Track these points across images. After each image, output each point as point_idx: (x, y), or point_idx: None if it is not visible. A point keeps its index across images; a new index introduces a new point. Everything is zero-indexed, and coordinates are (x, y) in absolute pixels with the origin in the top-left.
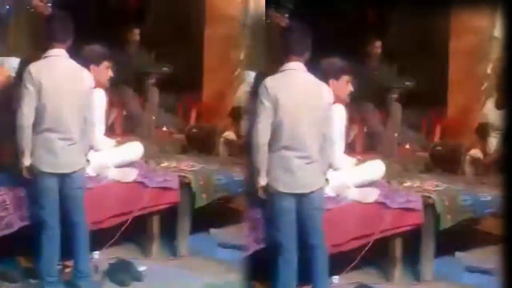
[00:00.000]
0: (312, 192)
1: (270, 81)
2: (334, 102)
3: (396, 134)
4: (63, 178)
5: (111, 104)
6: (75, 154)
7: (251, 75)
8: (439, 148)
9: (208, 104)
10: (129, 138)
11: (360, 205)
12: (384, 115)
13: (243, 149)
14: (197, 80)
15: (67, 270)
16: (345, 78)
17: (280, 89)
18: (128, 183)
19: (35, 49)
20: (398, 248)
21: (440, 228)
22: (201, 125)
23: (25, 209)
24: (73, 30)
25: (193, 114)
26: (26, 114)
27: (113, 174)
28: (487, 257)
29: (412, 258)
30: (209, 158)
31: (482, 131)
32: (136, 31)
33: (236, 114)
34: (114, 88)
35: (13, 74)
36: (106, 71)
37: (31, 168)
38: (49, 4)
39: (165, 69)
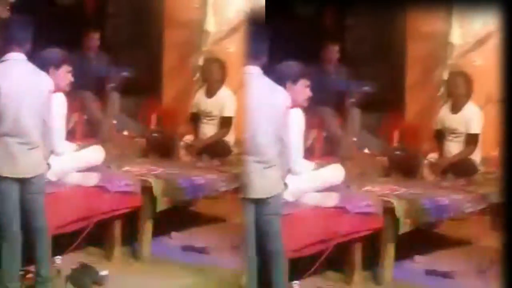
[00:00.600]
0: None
1: None
2: (291, 107)
3: (354, 139)
4: (23, 183)
5: (71, 109)
6: (35, 158)
7: None
8: (397, 152)
9: (168, 108)
10: (90, 143)
11: (320, 209)
12: (343, 120)
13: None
14: (157, 84)
15: (29, 275)
16: (303, 82)
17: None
18: (89, 187)
19: None
20: (358, 252)
21: (400, 232)
22: (162, 129)
23: None
24: (32, 34)
25: (153, 118)
26: None
27: (74, 178)
28: (446, 260)
29: (372, 262)
30: (170, 162)
31: (439, 135)
32: (95, 35)
33: (195, 118)
34: (74, 92)
35: None
36: (65, 75)
37: None
38: (8, 8)
39: (125, 73)
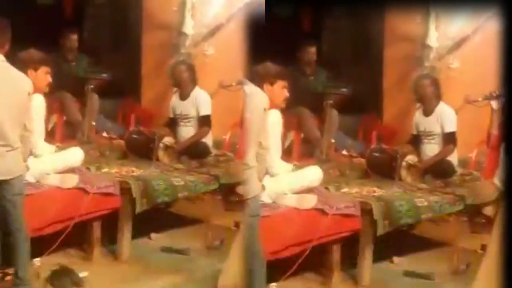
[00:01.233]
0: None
1: None
2: (269, 108)
3: (333, 140)
4: (1, 184)
5: (50, 110)
6: (13, 160)
7: None
8: (375, 154)
9: (147, 110)
10: (69, 144)
11: (298, 211)
12: (321, 121)
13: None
14: (136, 86)
15: (8, 278)
16: (280, 83)
17: None
18: (68, 189)
19: None
20: (336, 254)
21: (378, 233)
22: (141, 131)
23: None
24: (10, 35)
25: (133, 120)
26: None
27: (53, 180)
28: (424, 261)
29: (350, 264)
30: (149, 163)
31: (414, 139)
32: (74, 37)
33: (173, 122)
34: (53, 93)
35: None
36: (44, 76)
37: None
38: None
39: (104, 75)
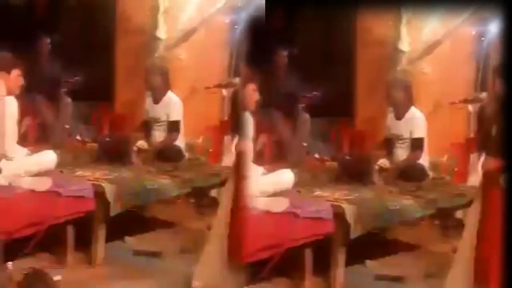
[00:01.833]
0: None
1: None
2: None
3: (304, 144)
4: None
5: (23, 113)
6: None
7: None
8: (348, 157)
9: (120, 113)
10: (42, 147)
11: (270, 214)
12: (292, 125)
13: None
14: (109, 89)
15: None
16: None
17: None
18: (42, 192)
19: None
20: (308, 257)
21: (350, 237)
22: (114, 134)
23: None
24: None
25: (106, 123)
26: None
27: (27, 183)
28: (396, 264)
29: (322, 268)
30: (123, 166)
31: (387, 143)
32: (47, 40)
33: (147, 125)
34: (26, 96)
35: None
36: (17, 79)
37: None
38: None
39: (77, 78)
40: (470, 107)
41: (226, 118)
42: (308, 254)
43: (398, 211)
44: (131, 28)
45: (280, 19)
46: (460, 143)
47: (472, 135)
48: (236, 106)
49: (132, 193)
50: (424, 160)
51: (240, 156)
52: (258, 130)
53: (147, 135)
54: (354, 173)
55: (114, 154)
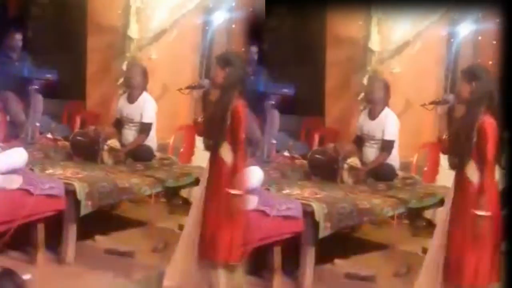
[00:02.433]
0: None
1: None
2: None
3: (274, 141)
4: None
5: None
6: None
7: None
8: (318, 156)
9: (92, 112)
10: (12, 144)
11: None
12: (262, 122)
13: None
14: (81, 87)
15: None
16: None
17: None
18: (12, 190)
19: None
20: (277, 256)
21: (320, 235)
22: (85, 133)
23: None
24: None
25: (77, 122)
26: None
27: None
28: (366, 264)
29: (291, 266)
30: (94, 165)
31: (359, 141)
32: (18, 36)
33: (119, 123)
34: None
35: None
36: None
37: None
38: None
39: (48, 75)
40: (439, 108)
41: (196, 119)
42: (277, 253)
43: (367, 210)
44: (103, 27)
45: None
46: (430, 143)
47: (441, 136)
48: (206, 106)
49: (103, 192)
50: (394, 160)
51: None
52: None
53: (119, 134)
54: (324, 171)
55: (85, 152)
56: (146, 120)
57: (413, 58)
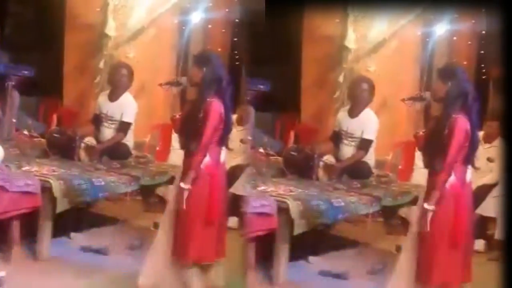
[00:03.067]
0: None
1: None
2: None
3: (249, 137)
4: None
5: None
6: None
7: None
8: (293, 153)
9: (68, 109)
10: None
11: None
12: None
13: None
14: (58, 85)
15: None
16: None
17: None
18: None
19: None
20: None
21: (294, 232)
22: (62, 130)
23: None
24: None
25: (54, 119)
26: None
27: None
28: (340, 261)
29: (266, 263)
30: (70, 163)
31: (335, 138)
32: None
33: (97, 120)
34: None
35: None
36: None
37: None
38: None
39: (25, 72)
40: (416, 105)
41: (173, 116)
42: (252, 248)
43: (342, 207)
44: (81, 24)
45: None
46: (405, 142)
47: (416, 134)
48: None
49: (79, 190)
50: (369, 158)
51: None
52: None
53: (96, 132)
54: (299, 168)
55: (62, 150)
56: (126, 119)
57: (389, 56)
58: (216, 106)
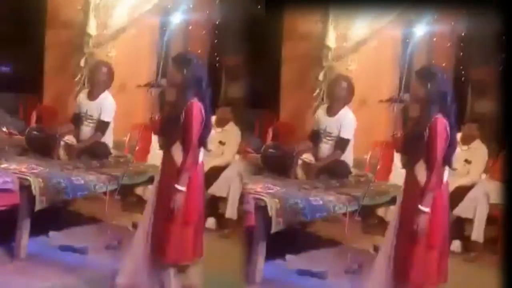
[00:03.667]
0: None
1: None
2: None
3: None
4: None
5: None
6: None
7: None
8: (271, 150)
9: (48, 107)
10: None
11: None
12: None
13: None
14: (38, 82)
15: None
16: None
17: None
18: None
19: None
20: None
21: (272, 230)
22: (42, 128)
23: None
24: None
25: (34, 116)
26: None
27: None
28: (318, 260)
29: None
30: (49, 161)
31: (314, 136)
32: None
33: (77, 119)
34: None
35: None
36: None
37: None
38: None
39: (5, 69)
40: (395, 106)
41: (151, 117)
42: None
43: (320, 206)
44: (62, 22)
45: None
46: (383, 142)
47: (394, 135)
48: (163, 106)
49: (58, 188)
50: (348, 157)
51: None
52: None
53: (76, 131)
54: (278, 166)
55: (41, 148)
56: (104, 118)
57: (369, 56)
58: (197, 107)
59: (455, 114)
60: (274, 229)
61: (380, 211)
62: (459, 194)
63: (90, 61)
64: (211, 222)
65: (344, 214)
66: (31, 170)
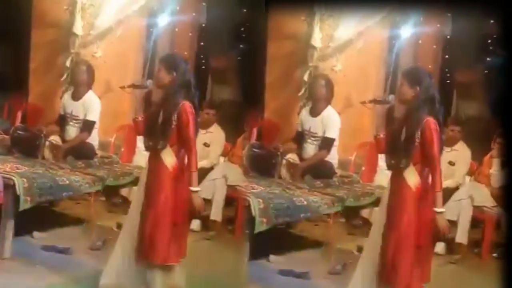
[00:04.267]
0: None
1: None
2: None
3: None
4: None
5: None
6: None
7: None
8: (255, 150)
9: (34, 106)
10: None
11: None
12: None
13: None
14: (23, 82)
15: None
16: None
17: None
18: None
19: None
20: None
21: (255, 230)
22: (27, 127)
23: None
24: None
25: (19, 116)
26: None
27: None
28: (301, 260)
29: None
30: (34, 161)
31: (299, 137)
32: None
33: (63, 120)
34: None
35: None
36: None
37: None
38: None
39: None
40: (379, 107)
41: (135, 118)
42: None
43: (304, 207)
44: (48, 22)
45: None
46: (368, 143)
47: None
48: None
49: (42, 188)
50: (332, 157)
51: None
52: None
53: (61, 131)
54: (262, 166)
55: (26, 147)
56: (89, 118)
57: (354, 57)
58: (189, 108)
59: (442, 116)
60: (257, 229)
61: (365, 212)
62: (443, 196)
63: (75, 62)
64: (196, 224)
65: (328, 215)
66: (16, 170)
